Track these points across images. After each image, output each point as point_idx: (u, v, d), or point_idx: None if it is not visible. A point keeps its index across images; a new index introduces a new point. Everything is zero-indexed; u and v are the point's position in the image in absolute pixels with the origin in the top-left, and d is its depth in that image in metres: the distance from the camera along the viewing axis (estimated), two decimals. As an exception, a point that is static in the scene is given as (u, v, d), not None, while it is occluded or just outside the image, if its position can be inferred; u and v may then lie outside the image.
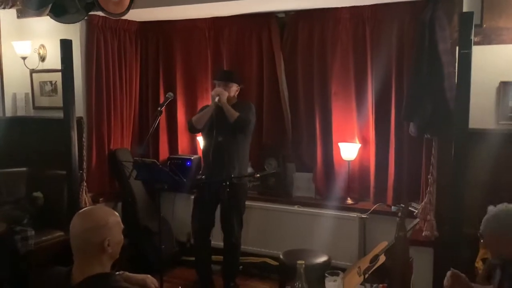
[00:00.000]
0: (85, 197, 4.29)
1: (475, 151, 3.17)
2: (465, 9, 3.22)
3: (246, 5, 4.05)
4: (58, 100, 4.31)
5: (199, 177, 4.02)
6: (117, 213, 1.89)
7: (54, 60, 4.45)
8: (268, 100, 4.44)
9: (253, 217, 4.31)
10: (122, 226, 1.88)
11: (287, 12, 4.27)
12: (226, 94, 3.80)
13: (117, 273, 2.00)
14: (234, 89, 3.93)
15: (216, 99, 3.76)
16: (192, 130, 3.98)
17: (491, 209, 2.30)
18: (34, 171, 4.40)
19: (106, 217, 1.81)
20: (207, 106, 3.99)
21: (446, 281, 2.37)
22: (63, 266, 1.88)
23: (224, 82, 3.89)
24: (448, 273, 2.37)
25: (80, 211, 1.84)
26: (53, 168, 4.28)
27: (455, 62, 3.16)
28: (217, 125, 3.80)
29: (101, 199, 4.51)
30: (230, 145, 3.79)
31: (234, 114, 3.74)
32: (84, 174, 4.33)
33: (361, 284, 3.02)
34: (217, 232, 4.03)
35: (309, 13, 4.13)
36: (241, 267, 4.13)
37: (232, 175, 3.70)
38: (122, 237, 1.87)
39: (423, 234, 3.49)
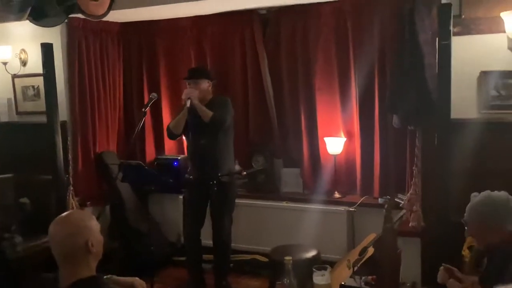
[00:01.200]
0: (72, 201, 4.25)
1: (458, 140, 3.20)
2: (443, 1, 3.25)
3: (227, 3, 4.04)
4: (41, 104, 4.26)
5: (187, 176, 4.00)
6: (92, 215, 1.92)
7: (35, 64, 4.40)
8: (253, 98, 4.45)
9: (242, 215, 4.31)
10: (99, 225, 1.90)
11: (269, 9, 4.28)
12: (196, 93, 3.69)
13: (105, 277, 2.01)
14: (206, 85, 3.82)
15: (188, 103, 3.65)
16: (172, 136, 3.91)
17: (475, 195, 2.30)
18: (21, 177, 4.35)
19: (84, 219, 1.84)
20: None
21: (440, 276, 2.38)
22: (52, 272, 1.88)
23: (194, 80, 3.80)
24: (441, 269, 2.39)
25: (57, 218, 1.85)
26: (40, 173, 4.24)
27: (436, 53, 3.19)
28: (197, 128, 3.73)
29: (88, 202, 4.48)
30: (214, 146, 3.75)
31: (208, 114, 3.66)
32: (71, 178, 4.29)
33: (350, 276, 3.05)
34: (207, 231, 4.03)
35: (291, 9, 4.14)
36: (231, 265, 4.14)
37: (219, 174, 3.69)
38: (102, 236, 1.89)
39: (410, 225, 3.52)
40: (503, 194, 2.23)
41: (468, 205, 2.29)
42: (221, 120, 3.71)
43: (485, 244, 2.30)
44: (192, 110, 3.69)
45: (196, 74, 3.85)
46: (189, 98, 3.66)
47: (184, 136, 4.00)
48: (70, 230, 1.78)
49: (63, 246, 1.77)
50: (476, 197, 2.28)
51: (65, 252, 1.77)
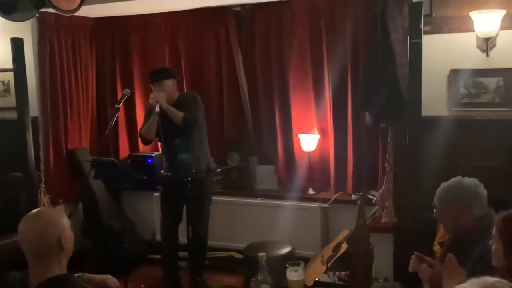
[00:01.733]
0: (44, 199, 4.18)
1: (429, 138, 3.26)
2: (414, -1, 3.30)
3: (201, -1, 4.04)
4: (11, 100, 4.16)
5: (163, 172, 3.96)
6: (62, 211, 1.90)
7: (5, 59, 4.28)
8: (228, 95, 4.44)
9: (217, 212, 4.30)
10: (69, 222, 1.88)
11: (243, 6, 4.27)
12: (163, 95, 3.64)
13: (77, 275, 1.98)
14: (170, 84, 3.77)
15: (157, 107, 3.60)
16: (146, 142, 3.86)
17: (444, 183, 2.37)
18: (-9, 174, 4.26)
19: (54, 215, 1.83)
20: (151, 107, 3.74)
21: (411, 265, 2.42)
22: (21, 270, 1.85)
23: (158, 83, 3.74)
24: (413, 257, 2.42)
25: (26, 216, 1.82)
26: (10, 170, 4.15)
27: (407, 52, 3.24)
28: (170, 130, 3.69)
29: (60, 200, 4.42)
30: (188, 145, 3.71)
31: (178, 115, 3.62)
32: (42, 176, 4.22)
33: (324, 272, 3.08)
34: (181, 229, 4.01)
35: (265, 6, 4.15)
36: (207, 262, 4.13)
37: (194, 171, 3.67)
38: (72, 232, 1.88)
39: (382, 220, 3.58)
40: (471, 179, 2.31)
41: (438, 188, 2.35)
42: (193, 120, 3.67)
43: (452, 228, 2.36)
44: (162, 113, 3.64)
45: (159, 76, 3.78)
46: (157, 102, 3.61)
47: (157, 137, 3.96)
48: (41, 228, 1.76)
49: (34, 244, 1.74)
50: (445, 182, 2.35)
51: (36, 250, 1.75)
